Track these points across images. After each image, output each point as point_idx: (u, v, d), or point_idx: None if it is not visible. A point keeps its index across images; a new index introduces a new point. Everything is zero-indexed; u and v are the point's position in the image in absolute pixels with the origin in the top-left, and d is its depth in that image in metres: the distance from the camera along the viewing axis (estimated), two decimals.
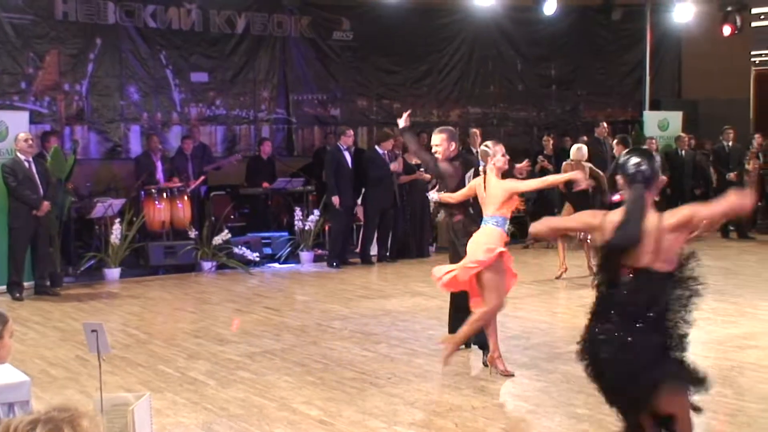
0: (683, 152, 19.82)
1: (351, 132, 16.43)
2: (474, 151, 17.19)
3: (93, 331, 4.14)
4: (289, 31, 19.33)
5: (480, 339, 8.83)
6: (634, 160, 5.03)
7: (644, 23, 22.26)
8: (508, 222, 8.47)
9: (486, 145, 8.56)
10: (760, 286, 13.25)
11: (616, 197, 10.14)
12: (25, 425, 2.58)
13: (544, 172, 16.79)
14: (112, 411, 3.52)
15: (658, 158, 5.15)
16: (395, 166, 16.33)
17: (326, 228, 16.73)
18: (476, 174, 8.86)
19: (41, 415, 2.60)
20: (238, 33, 18.75)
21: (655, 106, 22.61)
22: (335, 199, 15.67)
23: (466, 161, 9.50)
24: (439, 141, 9.25)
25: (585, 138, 19.55)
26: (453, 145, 9.30)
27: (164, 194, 15.72)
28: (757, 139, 20.36)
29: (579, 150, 14.60)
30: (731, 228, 19.21)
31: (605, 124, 19.40)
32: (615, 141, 14.68)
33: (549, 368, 8.70)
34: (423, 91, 21.32)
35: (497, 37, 21.97)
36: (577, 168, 14.33)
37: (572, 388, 7.97)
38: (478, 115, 22.11)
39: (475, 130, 18.21)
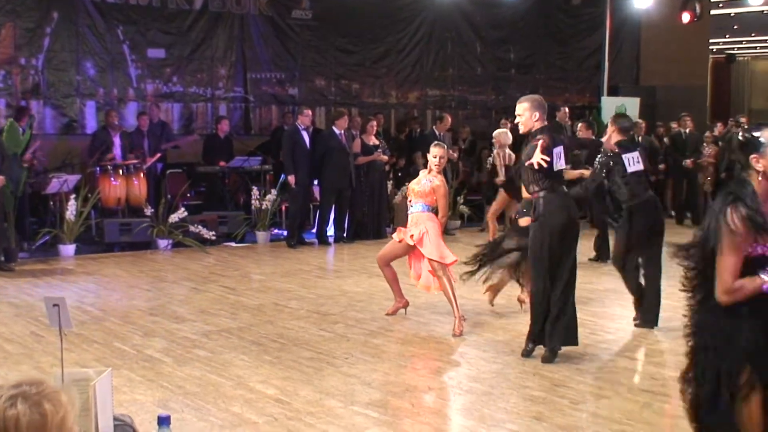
0: (640, 138, 19.90)
1: (309, 112, 16.34)
2: (438, 134, 17.37)
3: (54, 305, 4.09)
4: (247, 8, 19.19)
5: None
6: None
7: (604, 9, 22.41)
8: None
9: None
10: None
11: None
12: (5, 401, 2.52)
13: None
14: (73, 386, 3.49)
15: None
16: (355, 146, 16.39)
17: (283, 208, 16.70)
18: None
19: (15, 390, 2.54)
20: (196, 9, 18.59)
21: (613, 91, 22.76)
22: (291, 178, 15.60)
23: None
24: (521, 111, 8.29)
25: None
26: (537, 115, 8.23)
27: (120, 171, 15.60)
28: (718, 127, 20.58)
29: (506, 134, 14.62)
30: (687, 215, 19.38)
31: (566, 109, 19.49)
32: (580, 125, 14.71)
33: (505, 350, 8.74)
34: (382, 72, 21.28)
35: (457, 19, 21.96)
36: (502, 154, 14.48)
37: (527, 370, 8.02)
38: (437, 97, 22.14)
39: (446, 114, 18.48)
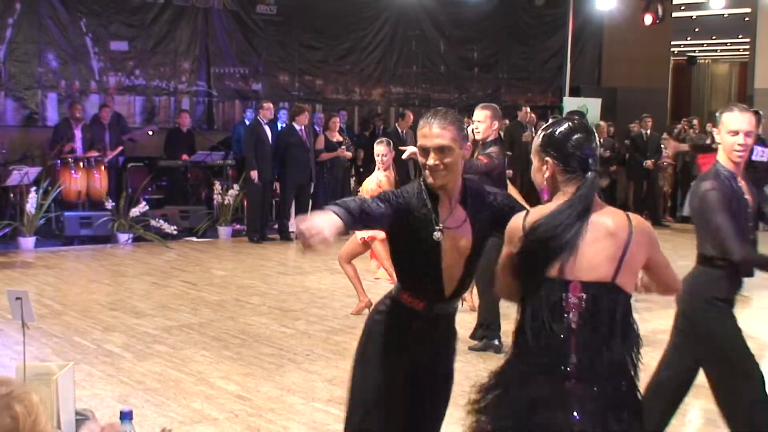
0: (602, 140, 20.02)
1: (270, 105, 16.26)
2: (401, 132, 17.43)
3: (17, 298, 4.07)
4: (211, 2, 19.09)
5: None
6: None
7: (567, 9, 22.48)
8: None
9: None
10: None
11: None
12: None
13: None
14: (35, 380, 3.48)
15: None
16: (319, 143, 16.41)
17: (245, 203, 16.65)
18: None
19: None
20: (160, 2, 18.44)
21: (574, 92, 22.87)
22: (253, 174, 15.53)
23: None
24: (482, 118, 8.27)
25: (507, 121, 19.69)
26: (496, 125, 8.34)
27: (81, 164, 15.48)
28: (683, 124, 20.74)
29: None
30: (645, 213, 19.51)
31: (528, 109, 19.59)
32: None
33: (463, 348, 8.77)
34: (345, 69, 21.29)
35: (421, 17, 22.02)
36: None
37: (489, 367, 8.00)
38: (401, 95, 22.17)
39: (408, 111, 18.43)
